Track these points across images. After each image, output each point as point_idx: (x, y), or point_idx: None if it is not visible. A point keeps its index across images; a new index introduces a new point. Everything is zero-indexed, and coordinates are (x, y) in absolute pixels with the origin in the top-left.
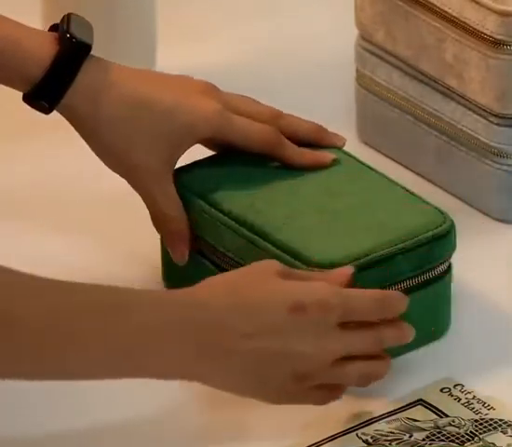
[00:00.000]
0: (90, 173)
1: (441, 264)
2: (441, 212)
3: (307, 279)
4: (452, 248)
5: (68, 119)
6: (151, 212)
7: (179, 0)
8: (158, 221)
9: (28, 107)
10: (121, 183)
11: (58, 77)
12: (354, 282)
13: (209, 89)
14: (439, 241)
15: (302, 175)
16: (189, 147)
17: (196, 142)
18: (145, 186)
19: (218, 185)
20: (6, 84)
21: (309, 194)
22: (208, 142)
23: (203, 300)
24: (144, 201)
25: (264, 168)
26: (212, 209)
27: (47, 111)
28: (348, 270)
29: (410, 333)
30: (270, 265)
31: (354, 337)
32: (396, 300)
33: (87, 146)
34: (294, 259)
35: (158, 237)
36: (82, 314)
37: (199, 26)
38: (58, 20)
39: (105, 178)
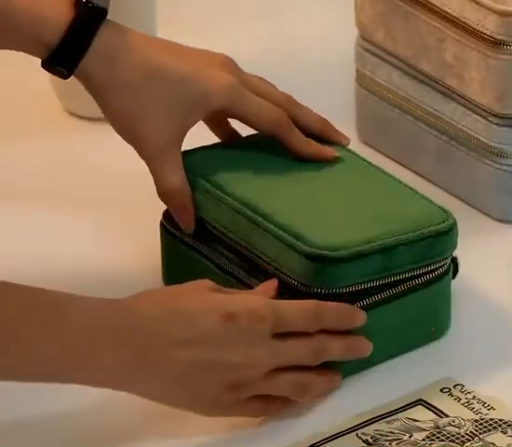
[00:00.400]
0: (91, 174)
1: (442, 260)
2: (444, 211)
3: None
4: (453, 246)
5: (84, 84)
6: (156, 183)
7: (179, 0)
8: (163, 192)
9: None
10: (123, 183)
11: (74, 43)
12: (355, 269)
13: (228, 63)
14: (442, 237)
15: (307, 168)
16: (200, 118)
17: (207, 114)
18: (153, 156)
19: (222, 169)
20: (24, 50)
21: (314, 185)
22: (216, 120)
23: (138, 308)
24: (151, 171)
25: (269, 157)
26: (216, 190)
27: (64, 76)
28: (273, 283)
29: (359, 347)
30: (203, 283)
31: (286, 347)
32: (335, 311)
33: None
34: (297, 240)
35: (159, 236)
36: (22, 314)
37: (199, 26)
38: None
39: (107, 178)
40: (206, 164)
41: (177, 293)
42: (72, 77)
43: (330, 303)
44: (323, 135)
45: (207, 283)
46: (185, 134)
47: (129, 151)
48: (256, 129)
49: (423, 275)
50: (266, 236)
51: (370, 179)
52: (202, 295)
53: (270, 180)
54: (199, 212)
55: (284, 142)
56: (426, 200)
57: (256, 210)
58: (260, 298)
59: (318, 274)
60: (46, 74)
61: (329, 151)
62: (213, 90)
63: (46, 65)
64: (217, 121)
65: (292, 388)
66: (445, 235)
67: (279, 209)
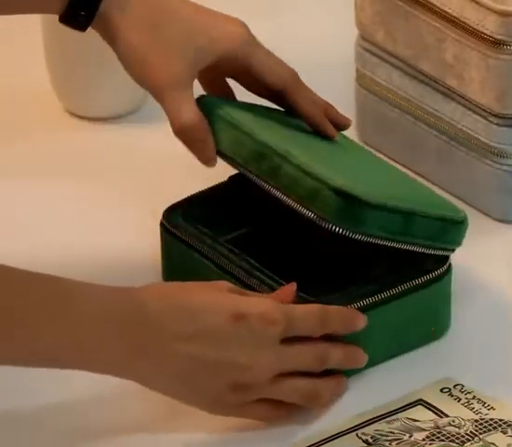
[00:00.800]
0: (91, 174)
1: (448, 250)
2: (456, 207)
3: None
4: (461, 240)
5: (100, 30)
6: (171, 120)
7: None
8: (180, 127)
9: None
10: (123, 183)
11: None
12: (377, 218)
13: (244, 25)
14: (454, 226)
15: (319, 138)
16: (210, 61)
17: (218, 59)
18: (166, 92)
19: (241, 111)
20: (40, 9)
21: (331, 150)
22: (223, 70)
23: (142, 300)
24: (165, 110)
25: (289, 120)
26: (239, 123)
27: (85, 24)
28: (292, 287)
29: (357, 357)
30: (222, 283)
31: (293, 353)
32: (338, 314)
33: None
34: (327, 178)
35: (158, 236)
36: (27, 300)
37: None
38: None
39: (107, 178)
40: (224, 104)
41: (188, 288)
42: (71, 77)
43: (332, 307)
44: (326, 113)
45: (225, 284)
46: (195, 76)
47: (129, 151)
48: (265, 83)
49: (423, 274)
50: (294, 170)
51: (383, 165)
52: (214, 293)
53: (290, 133)
54: (219, 146)
55: (291, 100)
56: (437, 194)
57: (282, 148)
58: (271, 301)
59: (342, 211)
60: (46, 75)
61: (332, 127)
62: (229, 36)
63: (66, 15)
64: (215, 81)
65: (299, 395)
66: (457, 224)
67: (305, 155)
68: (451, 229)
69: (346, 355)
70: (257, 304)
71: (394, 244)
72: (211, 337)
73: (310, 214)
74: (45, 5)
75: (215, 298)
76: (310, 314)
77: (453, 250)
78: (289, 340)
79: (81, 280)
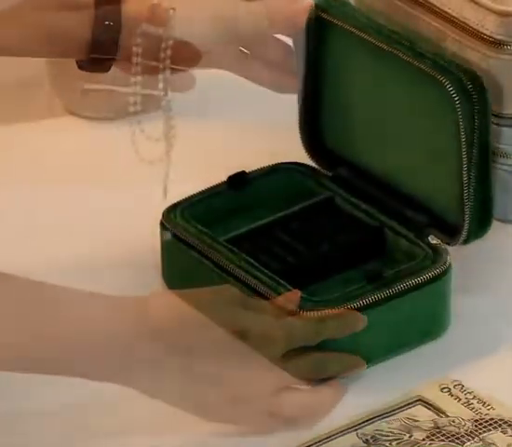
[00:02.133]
0: (91, 174)
1: (468, 231)
2: None
3: (259, 310)
4: (477, 235)
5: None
6: (275, 17)
7: None
8: (277, 16)
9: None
10: (123, 183)
11: None
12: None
13: None
14: (488, 216)
15: None
16: None
17: None
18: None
19: None
20: (68, 36)
21: None
22: None
23: (144, 310)
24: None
25: None
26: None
27: (118, 27)
28: (295, 295)
29: (355, 365)
30: (227, 290)
31: (290, 367)
32: (336, 318)
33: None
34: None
35: (158, 236)
36: (30, 308)
37: None
38: None
39: (108, 178)
40: None
41: (191, 299)
42: (71, 77)
43: (330, 312)
44: None
45: (233, 292)
46: None
47: (129, 151)
48: None
49: (422, 273)
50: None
51: None
52: (217, 305)
53: None
54: (345, 20)
55: None
56: None
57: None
58: (272, 318)
59: (466, 86)
60: (46, 74)
61: None
62: None
63: (97, 24)
64: None
65: (298, 409)
66: (489, 218)
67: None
68: (486, 214)
69: (343, 364)
70: (259, 321)
71: (464, 175)
72: (211, 352)
73: (439, 76)
74: (72, 25)
75: (217, 311)
76: (309, 325)
77: (457, 241)
78: (287, 353)
79: (81, 281)
